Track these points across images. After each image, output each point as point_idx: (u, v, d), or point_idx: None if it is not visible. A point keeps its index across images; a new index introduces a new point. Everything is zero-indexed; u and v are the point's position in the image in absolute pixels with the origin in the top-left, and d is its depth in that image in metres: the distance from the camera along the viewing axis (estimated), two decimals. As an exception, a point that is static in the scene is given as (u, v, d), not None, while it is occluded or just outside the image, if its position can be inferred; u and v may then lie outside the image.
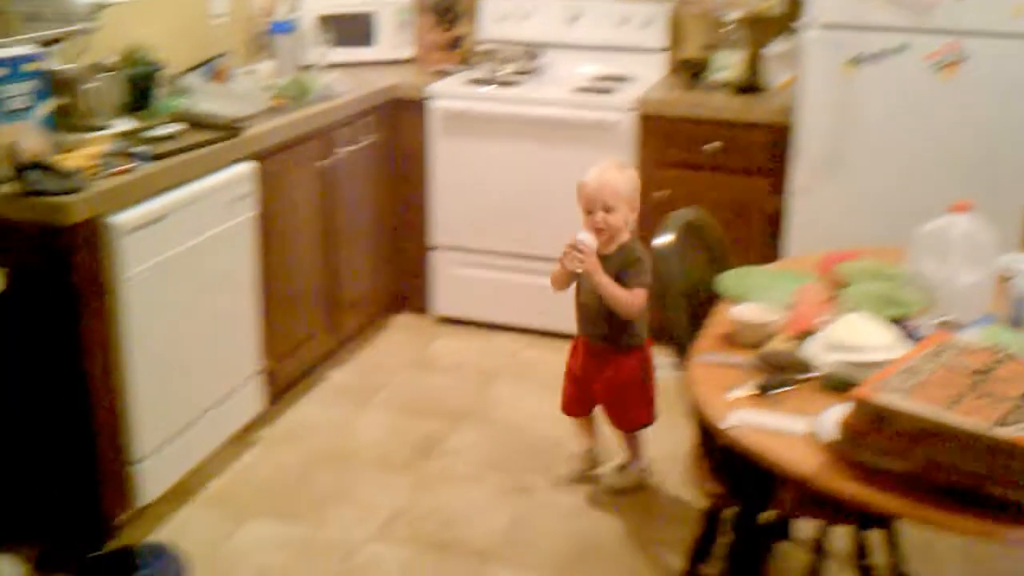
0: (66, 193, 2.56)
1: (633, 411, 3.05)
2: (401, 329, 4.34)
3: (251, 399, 3.35)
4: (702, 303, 2.40)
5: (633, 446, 3.13)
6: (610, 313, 2.89)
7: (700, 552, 2.39)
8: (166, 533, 2.91)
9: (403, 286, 4.40)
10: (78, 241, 2.59)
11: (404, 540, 2.92)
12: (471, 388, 3.83)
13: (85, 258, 2.62)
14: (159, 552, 2.78)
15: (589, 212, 2.88)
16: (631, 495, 3.11)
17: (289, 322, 3.56)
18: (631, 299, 2.86)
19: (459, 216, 4.21)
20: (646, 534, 2.97)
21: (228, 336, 3.20)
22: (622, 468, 3.17)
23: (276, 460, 3.31)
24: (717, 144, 3.77)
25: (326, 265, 3.78)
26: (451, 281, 4.31)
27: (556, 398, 3.73)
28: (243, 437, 3.36)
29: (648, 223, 3.82)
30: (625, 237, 2.92)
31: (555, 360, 4.02)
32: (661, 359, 3.95)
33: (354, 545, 2.89)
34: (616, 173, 2.90)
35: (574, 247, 2.80)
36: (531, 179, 4.05)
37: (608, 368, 3.00)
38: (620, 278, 2.86)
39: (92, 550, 2.76)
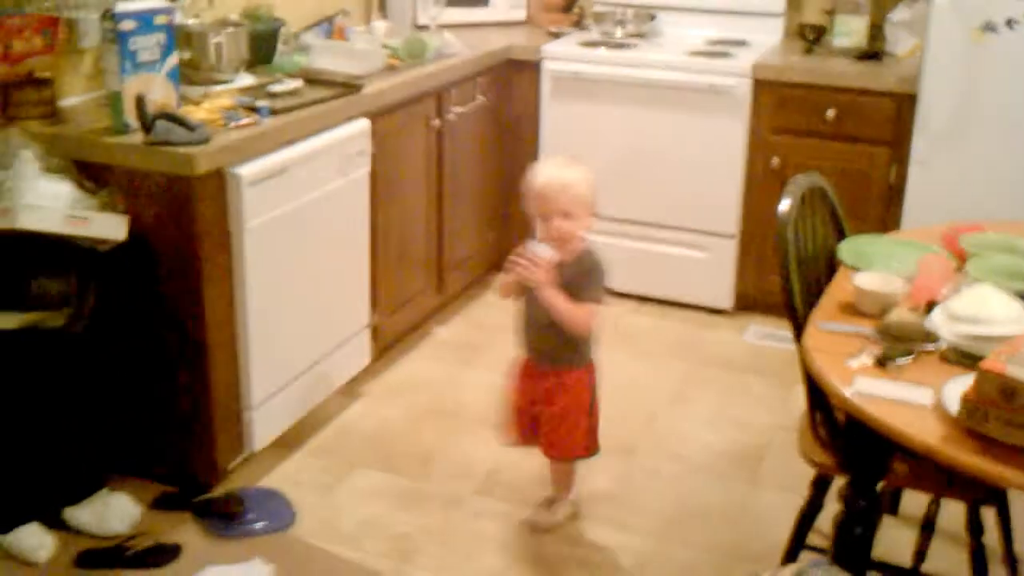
0: (192, 144, 2.63)
1: (572, 438, 2.71)
2: (505, 290, 4.36)
3: (359, 353, 3.41)
4: (821, 271, 2.36)
5: (565, 479, 2.84)
6: (556, 327, 2.57)
7: (806, 522, 2.37)
8: (275, 480, 2.99)
9: (509, 247, 4.40)
10: (202, 191, 2.66)
11: (506, 496, 2.95)
12: (574, 351, 3.83)
13: (208, 208, 2.69)
14: (268, 497, 2.87)
15: (545, 218, 2.53)
16: (558, 530, 2.83)
17: (398, 278, 3.61)
18: (583, 316, 2.54)
19: (567, 179, 4.20)
20: (750, 502, 2.95)
21: (339, 290, 3.26)
22: (551, 503, 2.86)
23: (381, 413, 3.37)
24: (835, 112, 3.69)
25: (435, 224, 3.82)
26: (556, 244, 4.31)
27: (657, 365, 3.75)
28: (350, 390, 3.43)
29: (763, 191, 3.81)
30: (581, 245, 2.57)
31: (657, 327, 4.04)
32: (766, 330, 3.94)
33: (457, 498, 2.94)
34: (574, 174, 2.55)
35: (529, 259, 2.49)
36: (642, 144, 4.02)
37: (553, 390, 2.67)
38: (571, 290, 2.53)
39: (204, 492, 2.85)
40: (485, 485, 3.01)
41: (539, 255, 2.48)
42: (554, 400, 2.67)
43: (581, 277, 2.54)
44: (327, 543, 2.73)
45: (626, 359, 3.76)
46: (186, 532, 2.72)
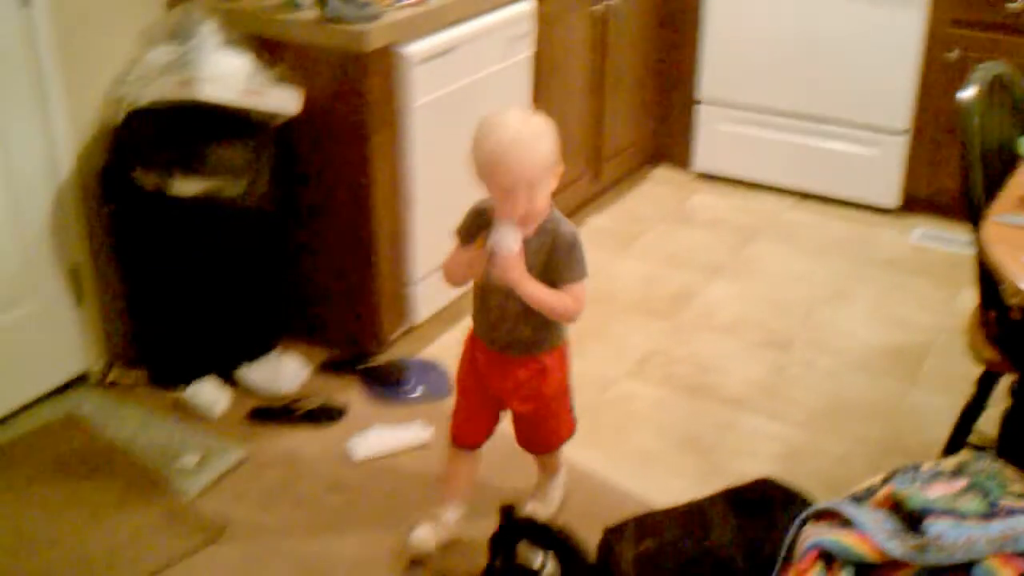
0: (363, 21, 2.68)
1: (560, 427, 2.36)
2: (660, 182, 4.33)
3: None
4: (1003, 163, 2.27)
5: (552, 462, 2.45)
6: (532, 315, 2.13)
7: (969, 418, 2.33)
8: (434, 352, 3.09)
9: (666, 139, 4.37)
10: (372, 68, 2.71)
11: (658, 380, 2.99)
12: (729, 245, 3.81)
13: (378, 85, 2.75)
14: (428, 367, 2.98)
15: (507, 192, 1.99)
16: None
17: (556, 164, 3.62)
18: (570, 303, 2.10)
19: (728, 69, 4.11)
20: (907, 400, 2.91)
21: (500, 172, 3.29)
22: (543, 492, 2.46)
23: (536, 296, 3.43)
24: (1021, 3, 3.48)
25: (594, 111, 3.80)
26: (715, 136, 4.25)
27: (816, 262, 3.69)
28: (506, 271, 3.49)
29: (939, 86, 3.65)
30: (545, 212, 2.09)
31: (818, 224, 3.97)
32: (934, 232, 3.82)
33: (610, 380, 2.99)
34: (534, 127, 2.01)
35: (498, 255, 2.01)
36: (810, 33, 3.89)
37: (532, 380, 2.22)
38: (547, 271, 2.09)
39: (369, 359, 2.97)
40: (638, 369, 3.04)
41: (510, 247, 2.00)
42: (536, 393, 2.24)
43: (559, 255, 2.09)
44: (482, 414, 2.83)
45: (784, 255, 3.72)
46: (351, 394, 2.86)
